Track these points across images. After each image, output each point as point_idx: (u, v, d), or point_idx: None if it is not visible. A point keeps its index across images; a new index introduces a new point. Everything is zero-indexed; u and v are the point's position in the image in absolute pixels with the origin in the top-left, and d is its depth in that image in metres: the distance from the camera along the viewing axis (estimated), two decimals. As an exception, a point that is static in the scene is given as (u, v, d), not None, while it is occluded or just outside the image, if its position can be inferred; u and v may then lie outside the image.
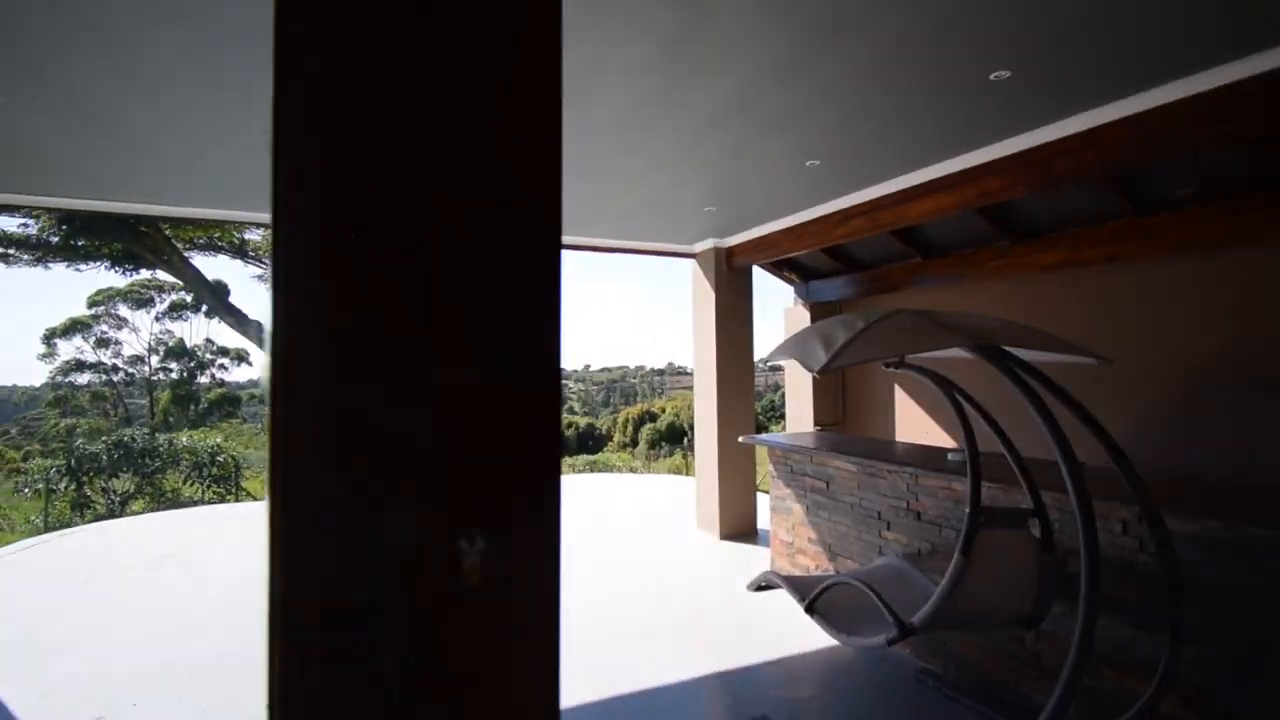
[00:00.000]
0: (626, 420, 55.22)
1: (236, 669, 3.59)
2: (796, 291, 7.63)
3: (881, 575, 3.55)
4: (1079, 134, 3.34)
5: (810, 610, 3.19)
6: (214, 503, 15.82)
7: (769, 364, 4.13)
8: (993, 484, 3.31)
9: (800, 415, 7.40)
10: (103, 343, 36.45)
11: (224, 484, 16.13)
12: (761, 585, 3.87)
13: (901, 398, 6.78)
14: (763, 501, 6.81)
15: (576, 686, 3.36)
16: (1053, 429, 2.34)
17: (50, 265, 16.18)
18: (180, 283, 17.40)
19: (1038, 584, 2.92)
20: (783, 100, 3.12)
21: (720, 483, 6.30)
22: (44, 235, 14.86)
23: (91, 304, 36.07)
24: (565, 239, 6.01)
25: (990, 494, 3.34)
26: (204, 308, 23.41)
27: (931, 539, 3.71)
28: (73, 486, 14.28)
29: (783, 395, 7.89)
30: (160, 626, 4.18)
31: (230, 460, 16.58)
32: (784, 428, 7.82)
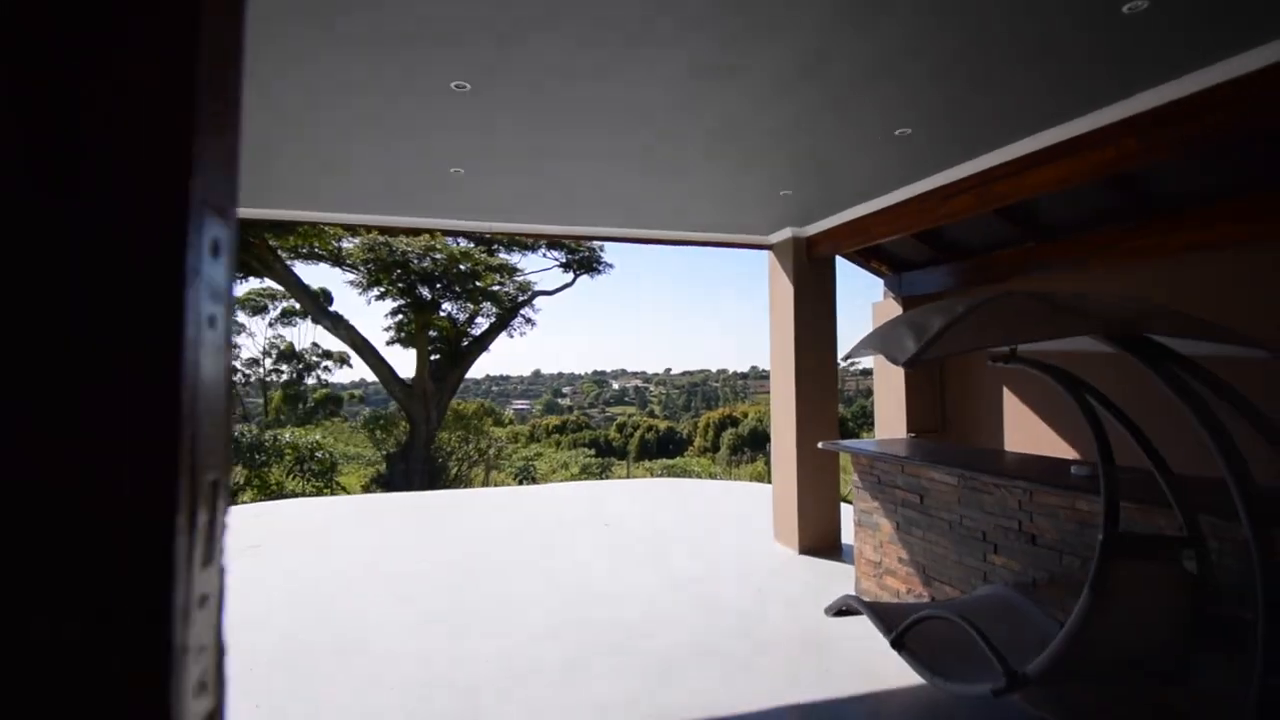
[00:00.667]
0: (707, 424, 54.77)
1: (283, 664, 3.60)
2: (887, 285, 7.03)
3: (986, 608, 3.06)
4: (1239, 78, 2.73)
5: (898, 645, 2.77)
6: (312, 495, 16.86)
7: (849, 360, 3.71)
8: (1129, 504, 2.75)
9: (892, 420, 6.80)
10: (226, 346, 39.99)
11: (322, 478, 17.17)
12: (842, 610, 3.46)
13: (1012, 401, 6.06)
14: (847, 514, 6.29)
15: (626, 714, 3.10)
16: (1220, 440, 1.84)
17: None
18: (283, 290, 18.73)
19: (1189, 630, 2.38)
20: (862, 54, 2.74)
21: (799, 492, 5.86)
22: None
23: (216, 311, 39.68)
24: (615, 230, 5.80)
25: (1126, 516, 2.79)
26: (306, 314, 25.12)
27: (1049, 567, 3.17)
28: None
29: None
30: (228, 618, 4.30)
31: (328, 456, 17.63)
32: (875, 434, 7.24)
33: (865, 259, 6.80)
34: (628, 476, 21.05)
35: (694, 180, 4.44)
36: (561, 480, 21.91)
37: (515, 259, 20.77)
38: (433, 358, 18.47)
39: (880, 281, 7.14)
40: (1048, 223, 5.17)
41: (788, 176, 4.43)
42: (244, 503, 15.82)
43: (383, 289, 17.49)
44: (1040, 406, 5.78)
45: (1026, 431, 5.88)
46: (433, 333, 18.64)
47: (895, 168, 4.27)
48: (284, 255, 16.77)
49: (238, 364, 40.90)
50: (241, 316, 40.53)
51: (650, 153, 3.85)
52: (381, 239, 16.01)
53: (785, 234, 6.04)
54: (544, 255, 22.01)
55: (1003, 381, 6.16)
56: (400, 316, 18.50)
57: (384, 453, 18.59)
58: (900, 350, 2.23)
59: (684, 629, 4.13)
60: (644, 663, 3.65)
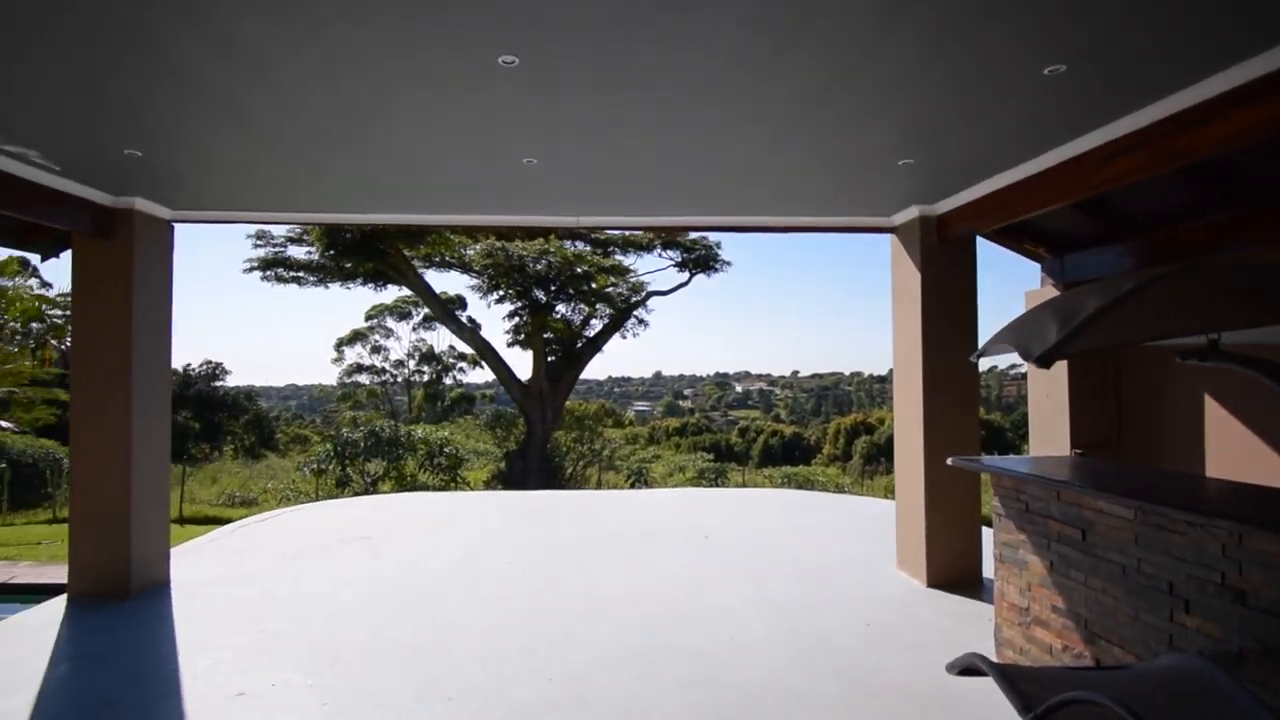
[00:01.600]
0: (838, 431, 52.15)
1: (354, 652, 3.60)
2: (1046, 270, 6.01)
3: (1170, 685, 2.33)
4: None
5: (1039, 728, 2.16)
6: (440, 489, 17.95)
7: (979, 358, 3.07)
8: None
9: (1051, 432, 5.79)
10: (376, 349, 44.28)
11: (449, 472, 18.23)
12: (967, 669, 2.84)
13: (1216, 412, 4.90)
14: (989, 541, 5.41)
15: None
16: None
17: (329, 285, 19.83)
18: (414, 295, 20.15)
19: None
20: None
21: (928, 514, 5.11)
22: (322, 259, 18.21)
23: (368, 318, 43.99)
24: (709, 219, 5.38)
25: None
26: (436, 319, 26.85)
27: (1264, 635, 2.37)
28: (337, 467, 17.21)
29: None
30: (315, 606, 4.45)
31: (455, 452, 18.70)
32: (1030, 449, 6.22)
33: (1015, 239, 5.85)
34: (743, 483, 20.38)
35: (795, 152, 3.94)
36: (677, 484, 21.69)
37: (630, 260, 20.88)
38: (549, 359, 18.99)
39: (1037, 267, 6.13)
40: (1256, 183, 4.07)
41: (908, 137, 3.79)
42: (382, 493, 17.20)
43: (501, 292, 18.26)
44: (1256, 419, 4.60)
45: (1236, 452, 4.71)
46: (548, 334, 19.16)
47: (1045, 120, 3.51)
48: (416, 264, 18.03)
49: (386, 365, 44.98)
50: (389, 321, 44.57)
51: (737, 117, 3.43)
52: (499, 244, 16.70)
53: (911, 213, 5.31)
54: (659, 255, 21.92)
55: (1202, 385, 5.00)
56: (517, 319, 19.22)
57: (504, 450, 19.38)
58: (1037, 341, 1.68)
59: (773, 665, 3.65)
60: (718, 702, 3.23)
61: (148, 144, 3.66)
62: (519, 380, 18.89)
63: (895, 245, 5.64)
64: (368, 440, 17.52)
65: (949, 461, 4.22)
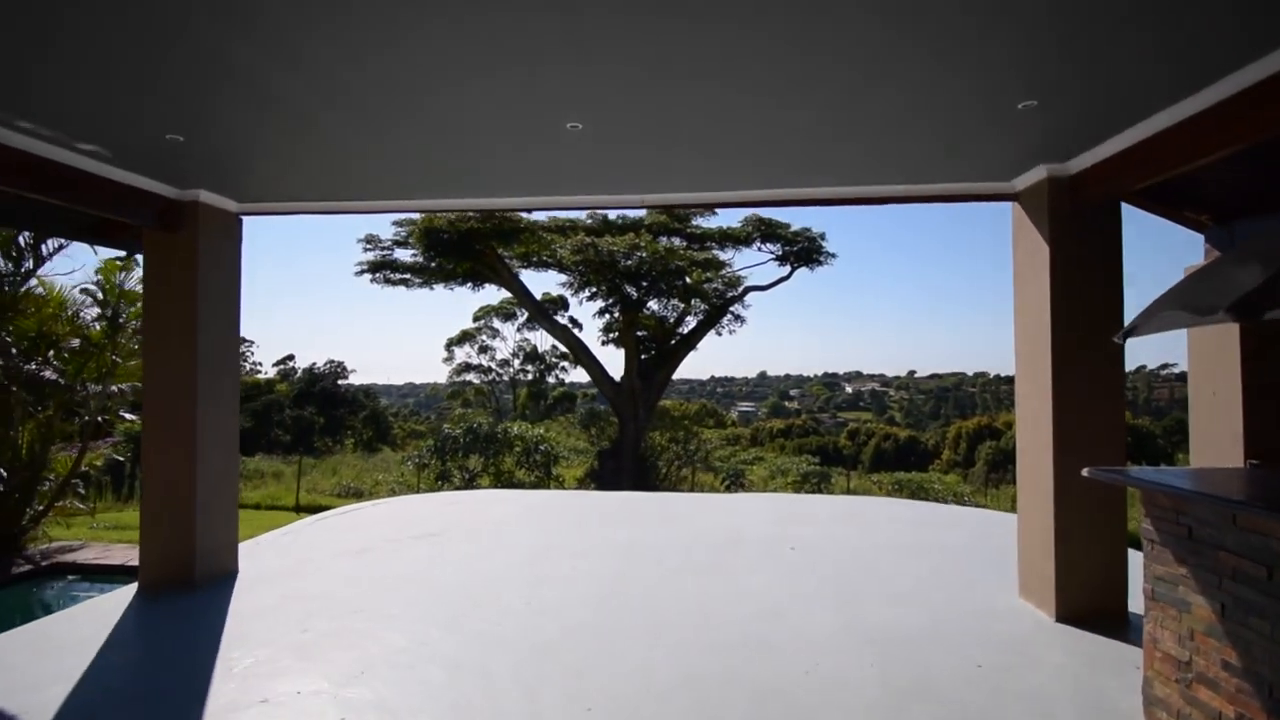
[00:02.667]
0: (958, 435, 48.59)
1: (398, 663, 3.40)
2: (1210, 241, 4.90)
3: None
4: None
5: None
6: (535, 486, 18.24)
7: (1124, 338, 2.36)
8: None
9: (1216, 438, 4.68)
10: (483, 349, 46.35)
11: (544, 469, 18.49)
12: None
13: None
14: (1137, 568, 4.45)
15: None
16: None
17: (434, 287, 20.75)
18: (510, 295, 20.61)
19: None
20: None
21: (1059, 535, 4.25)
22: (424, 261, 19.05)
23: (476, 319, 46.15)
24: (775, 192, 4.77)
25: None
26: (532, 318, 27.43)
27: None
28: (438, 462, 17.92)
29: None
30: (364, 607, 4.35)
31: (550, 449, 18.94)
32: (1190, 459, 5.11)
33: (1171, 204, 4.79)
34: (849, 489, 19.14)
35: (887, 98, 3.32)
36: (778, 488, 20.79)
37: (727, 255, 20.24)
38: (641, 357, 18.76)
39: (1198, 239, 5.02)
40: None
41: (1029, 71, 3.07)
42: (482, 487, 17.72)
43: (593, 289, 18.23)
44: None
45: None
46: (641, 332, 18.93)
47: (1211, 46, 2.69)
48: (512, 263, 18.43)
49: (492, 364, 46.94)
50: (495, 322, 46.49)
51: (808, 48, 2.89)
52: (589, 239, 16.66)
53: (1037, 175, 4.45)
54: (758, 249, 21.10)
55: None
56: (608, 316, 19.13)
57: (597, 449, 19.39)
58: (1223, 292, 1.08)
59: (856, 711, 3.07)
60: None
61: (188, 129, 3.68)
62: (611, 378, 18.81)
63: (1017, 215, 4.79)
64: (466, 437, 18.11)
65: (1085, 473, 3.41)
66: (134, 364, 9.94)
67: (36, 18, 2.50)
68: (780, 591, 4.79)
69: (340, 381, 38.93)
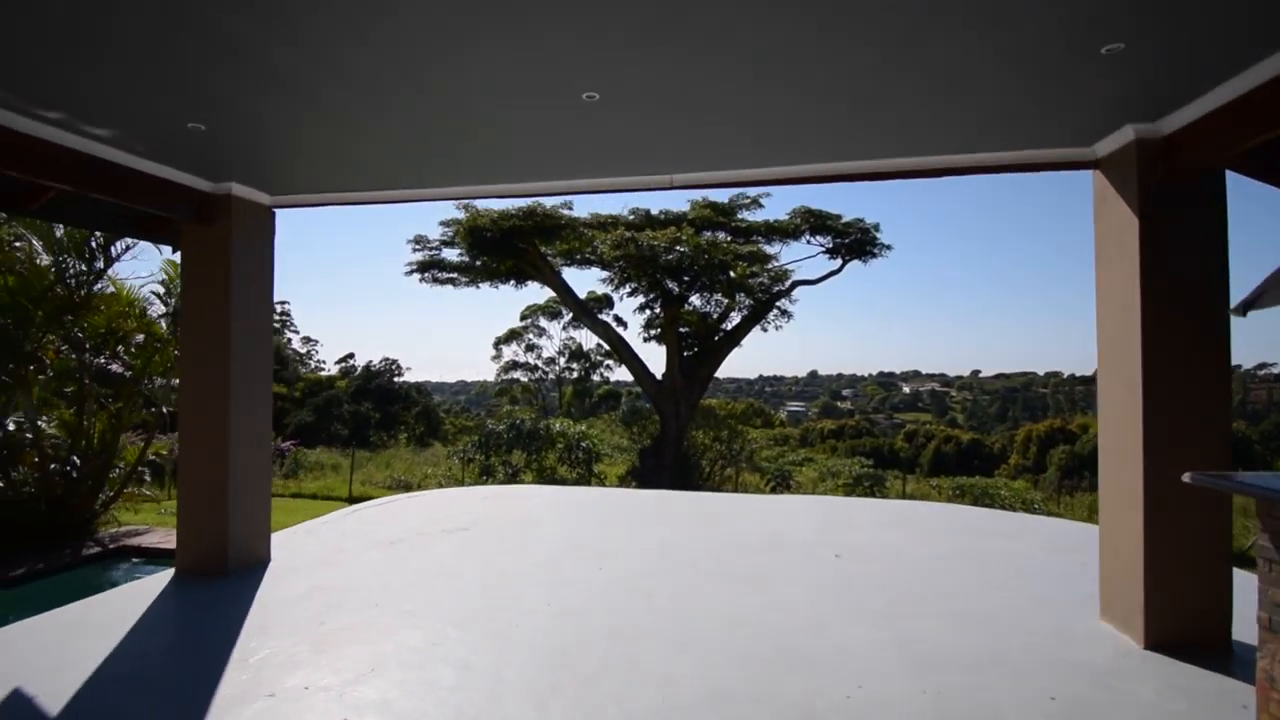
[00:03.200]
0: (1028, 438, 46.63)
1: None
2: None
3: None
4: None
5: None
6: (576, 483, 18.14)
7: (1244, 308, 1.94)
8: None
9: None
10: (530, 347, 46.86)
11: (585, 467, 18.39)
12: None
13: None
14: (1243, 590, 3.87)
15: None
16: None
17: (480, 286, 20.93)
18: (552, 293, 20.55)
19: None
20: None
21: (1149, 549, 3.72)
22: (469, 260, 19.20)
23: (523, 317, 46.69)
24: (814, 167, 4.36)
25: None
26: (572, 316, 27.37)
27: None
28: (482, 457, 18.04)
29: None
30: (385, 600, 4.20)
31: (592, 446, 18.82)
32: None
33: (1286, 171, 4.18)
34: (905, 493, 18.31)
35: (946, 43, 2.91)
36: (828, 490, 20.09)
37: (774, 249, 19.66)
38: (684, 354, 18.40)
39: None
40: None
41: (1112, 14, 2.63)
42: (524, 483, 17.75)
43: (634, 285, 17.96)
44: None
45: None
46: (683, 328, 18.56)
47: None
48: (554, 260, 18.38)
49: (538, 362, 47.42)
50: (542, 321, 46.96)
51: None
52: (629, 234, 16.40)
53: (1123, 137, 3.93)
54: (807, 242, 20.43)
55: None
56: (649, 311, 18.81)
57: (639, 447, 19.16)
58: None
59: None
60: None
61: (208, 116, 3.59)
62: (653, 375, 18.53)
63: (1100, 186, 4.26)
64: (510, 433, 18.17)
65: (1186, 478, 2.92)
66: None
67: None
68: (823, 602, 4.41)
69: (396, 379, 40.04)
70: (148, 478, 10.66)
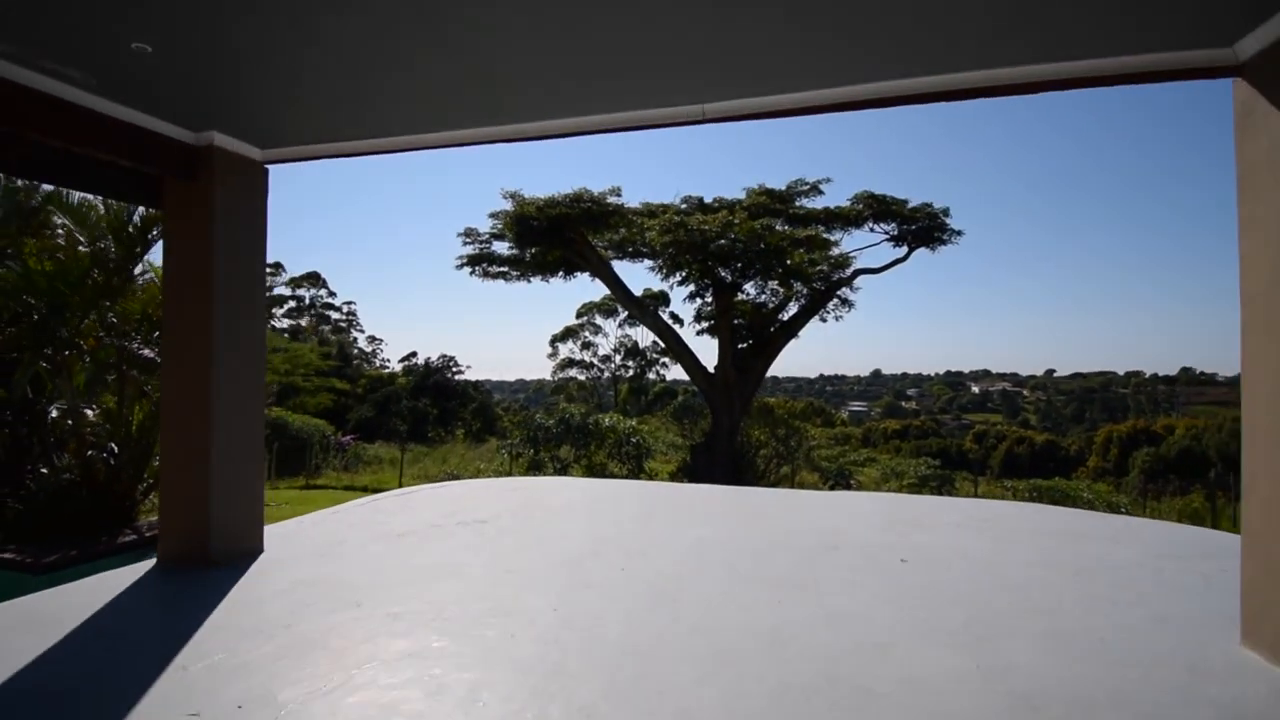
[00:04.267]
0: (1108, 440, 43.96)
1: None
2: None
3: None
4: None
5: None
6: (626, 478, 17.53)
7: None
8: None
9: None
10: (586, 345, 46.71)
11: (634, 462, 17.77)
12: None
13: None
14: None
15: None
16: None
17: (531, 280, 20.64)
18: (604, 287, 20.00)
19: None
20: None
21: (1328, 561, 2.78)
22: (519, 253, 18.90)
23: (579, 315, 46.62)
24: (866, 86, 3.48)
25: None
26: (627, 315, 26.78)
27: None
28: (531, 451, 17.69)
29: None
30: (372, 601, 3.65)
31: (642, 441, 18.19)
32: None
33: None
34: (975, 495, 16.87)
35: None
36: (893, 490, 18.82)
37: (834, 236, 18.53)
38: (737, 346, 17.50)
39: None
40: None
41: None
42: (575, 475, 17.29)
43: (684, 273, 17.18)
44: None
45: None
46: (736, 320, 17.66)
47: None
48: (601, 251, 17.86)
49: (594, 360, 47.26)
50: (598, 318, 46.75)
51: None
52: (677, 218, 15.64)
53: (1275, 30, 2.98)
54: (870, 229, 19.18)
55: None
56: (699, 301, 17.98)
57: (690, 443, 18.39)
58: None
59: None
60: None
61: (156, 36, 3.11)
62: (704, 369, 17.72)
63: (1244, 96, 3.27)
64: (558, 427, 17.75)
65: None
66: (303, 360, 10.28)
67: None
68: (885, 617, 3.59)
69: (459, 376, 40.64)
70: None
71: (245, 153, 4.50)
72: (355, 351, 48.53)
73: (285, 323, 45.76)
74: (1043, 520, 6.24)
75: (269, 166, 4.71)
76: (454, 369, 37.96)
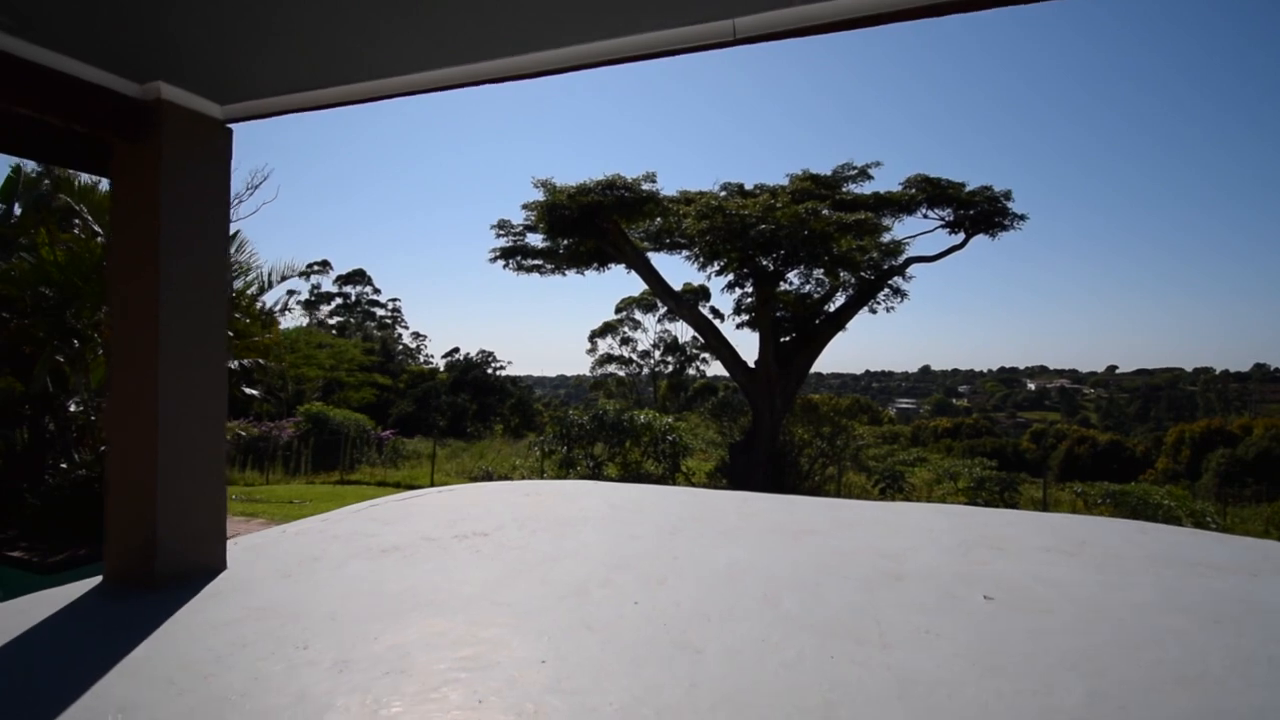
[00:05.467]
0: (1179, 440, 41.49)
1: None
2: None
3: None
4: None
5: None
6: (661, 479, 16.71)
7: None
8: None
9: None
10: (625, 341, 46.09)
11: (670, 461, 16.94)
12: None
13: None
14: None
15: None
16: None
17: (566, 273, 20.00)
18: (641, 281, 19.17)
19: None
20: None
21: None
22: (552, 244, 18.25)
23: (618, 310, 46.00)
24: None
25: None
26: (659, 298, 25.91)
27: None
28: (564, 449, 17.05)
29: None
30: (322, 642, 2.95)
31: (678, 440, 17.35)
32: None
33: None
34: (1043, 502, 15.46)
35: None
36: (945, 493, 17.49)
37: (885, 222, 17.28)
38: (780, 339, 16.46)
39: None
40: None
41: None
42: (608, 476, 16.57)
43: (721, 263, 16.19)
44: None
45: None
46: (778, 311, 16.60)
47: None
48: (636, 242, 17.05)
49: (633, 355, 46.62)
50: (638, 314, 46.06)
51: None
52: (714, 203, 14.65)
53: None
54: (923, 215, 17.84)
55: None
56: (738, 291, 16.94)
57: (729, 442, 17.46)
58: None
59: None
60: None
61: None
62: (744, 363, 16.74)
63: None
64: (592, 424, 17.07)
65: None
66: (258, 339, 9.98)
67: None
68: (977, 689, 2.68)
69: (500, 371, 40.53)
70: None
71: (200, 108, 3.84)
72: (400, 348, 49.07)
73: (333, 320, 46.55)
74: (1148, 542, 5.16)
75: (232, 126, 4.06)
76: (492, 364, 37.83)
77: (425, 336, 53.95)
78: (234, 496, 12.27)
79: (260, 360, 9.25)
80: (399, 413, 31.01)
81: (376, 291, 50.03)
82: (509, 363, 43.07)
